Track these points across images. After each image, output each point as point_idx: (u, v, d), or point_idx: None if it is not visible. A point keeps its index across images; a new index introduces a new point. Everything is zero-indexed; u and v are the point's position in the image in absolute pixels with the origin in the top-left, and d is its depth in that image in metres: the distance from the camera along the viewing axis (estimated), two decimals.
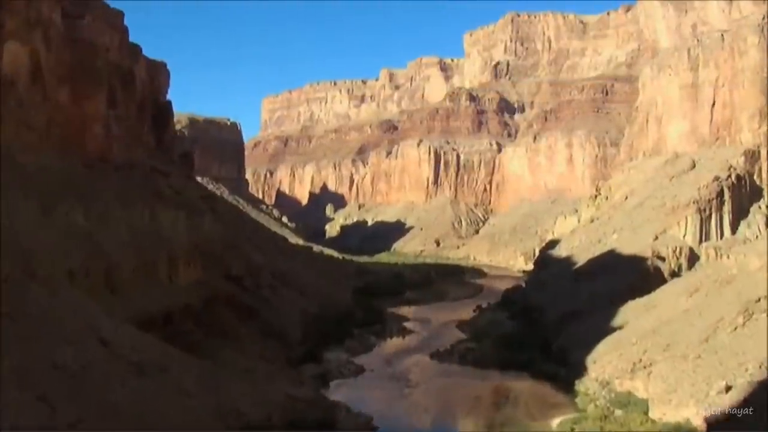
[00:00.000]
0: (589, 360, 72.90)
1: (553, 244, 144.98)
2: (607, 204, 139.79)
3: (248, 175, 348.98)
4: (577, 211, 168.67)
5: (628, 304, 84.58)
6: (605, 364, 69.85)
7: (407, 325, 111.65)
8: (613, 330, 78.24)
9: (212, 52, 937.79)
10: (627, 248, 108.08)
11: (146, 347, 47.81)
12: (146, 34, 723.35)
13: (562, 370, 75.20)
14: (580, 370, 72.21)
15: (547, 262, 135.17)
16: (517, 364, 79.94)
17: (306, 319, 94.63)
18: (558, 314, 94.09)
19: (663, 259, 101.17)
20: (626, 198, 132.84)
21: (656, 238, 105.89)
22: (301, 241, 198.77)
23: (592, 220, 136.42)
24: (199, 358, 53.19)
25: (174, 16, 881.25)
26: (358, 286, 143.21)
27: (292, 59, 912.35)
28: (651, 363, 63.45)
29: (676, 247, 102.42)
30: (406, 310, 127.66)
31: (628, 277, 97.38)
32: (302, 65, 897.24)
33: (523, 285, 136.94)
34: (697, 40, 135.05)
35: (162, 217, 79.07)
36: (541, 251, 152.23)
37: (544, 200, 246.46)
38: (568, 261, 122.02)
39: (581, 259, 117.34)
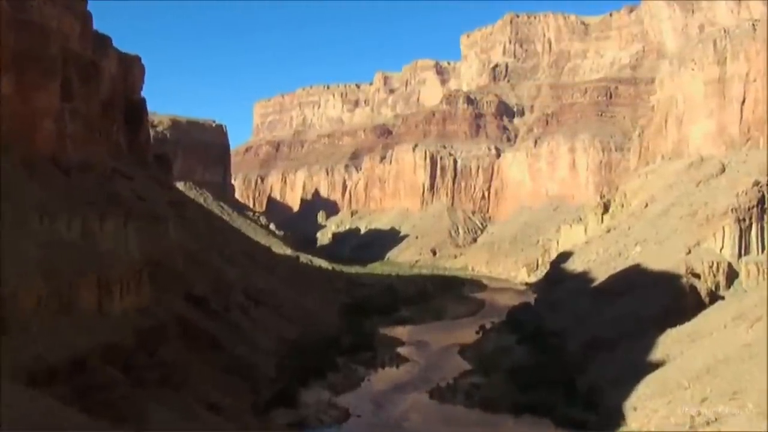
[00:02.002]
0: (628, 406, 59.09)
1: (564, 256, 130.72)
2: (624, 212, 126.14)
3: (239, 181, 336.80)
4: (581, 219, 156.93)
5: (668, 333, 70.94)
6: (650, 414, 55.86)
7: (402, 350, 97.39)
8: (654, 366, 64.51)
9: (204, 56, 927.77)
10: (654, 263, 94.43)
11: (28, 416, 33.39)
12: (139, 36, 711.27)
13: (593, 416, 61.57)
14: (617, 419, 58.59)
15: (559, 277, 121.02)
16: (535, 406, 65.93)
17: (282, 348, 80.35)
18: (580, 342, 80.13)
19: (698, 276, 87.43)
20: (646, 205, 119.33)
21: (689, 251, 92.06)
22: (288, 251, 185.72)
23: (608, 230, 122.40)
24: (116, 422, 38.73)
25: (167, 19, 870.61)
26: (348, 303, 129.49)
27: (285, 63, 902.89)
28: (717, 418, 49.36)
29: (712, 262, 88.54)
30: (400, 331, 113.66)
31: (659, 297, 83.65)
32: (295, 69, 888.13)
33: (532, 302, 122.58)
34: (724, 31, 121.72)
35: (102, 227, 64.70)
36: (551, 264, 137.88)
37: (545, 207, 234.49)
38: (584, 277, 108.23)
39: (600, 275, 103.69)
